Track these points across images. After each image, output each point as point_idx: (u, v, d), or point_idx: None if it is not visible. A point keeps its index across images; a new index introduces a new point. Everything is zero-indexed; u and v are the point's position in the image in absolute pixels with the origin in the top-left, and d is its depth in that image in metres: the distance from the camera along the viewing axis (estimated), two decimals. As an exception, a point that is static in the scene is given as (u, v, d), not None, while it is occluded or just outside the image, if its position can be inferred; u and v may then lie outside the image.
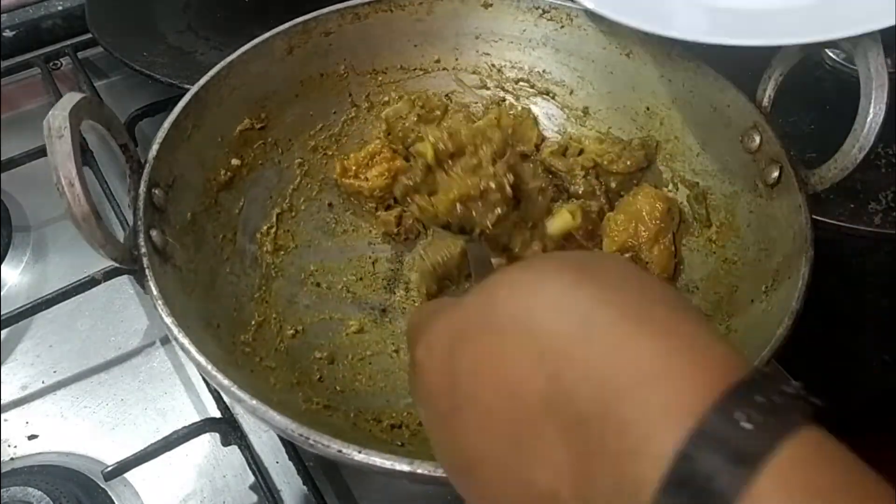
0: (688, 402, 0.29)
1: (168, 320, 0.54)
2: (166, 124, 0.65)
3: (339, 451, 0.48)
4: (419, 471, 0.47)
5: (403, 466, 0.47)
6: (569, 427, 0.32)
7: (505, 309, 0.37)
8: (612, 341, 0.33)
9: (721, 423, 0.28)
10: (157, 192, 0.62)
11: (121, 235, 0.67)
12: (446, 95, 0.85)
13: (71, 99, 0.51)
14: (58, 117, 0.50)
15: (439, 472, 0.47)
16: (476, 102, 0.85)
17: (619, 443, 0.30)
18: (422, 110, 0.83)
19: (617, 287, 0.36)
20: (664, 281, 0.35)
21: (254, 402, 0.50)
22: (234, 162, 0.73)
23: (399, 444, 0.64)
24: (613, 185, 0.79)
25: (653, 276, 0.38)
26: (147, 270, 0.56)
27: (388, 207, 0.81)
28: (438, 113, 0.84)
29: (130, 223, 0.59)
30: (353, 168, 0.79)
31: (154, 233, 0.59)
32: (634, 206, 0.74)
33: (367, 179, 0.79)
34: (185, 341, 0.53)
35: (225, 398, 0.71)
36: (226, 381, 0.51)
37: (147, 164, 0.62)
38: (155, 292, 0.55)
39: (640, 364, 0.31)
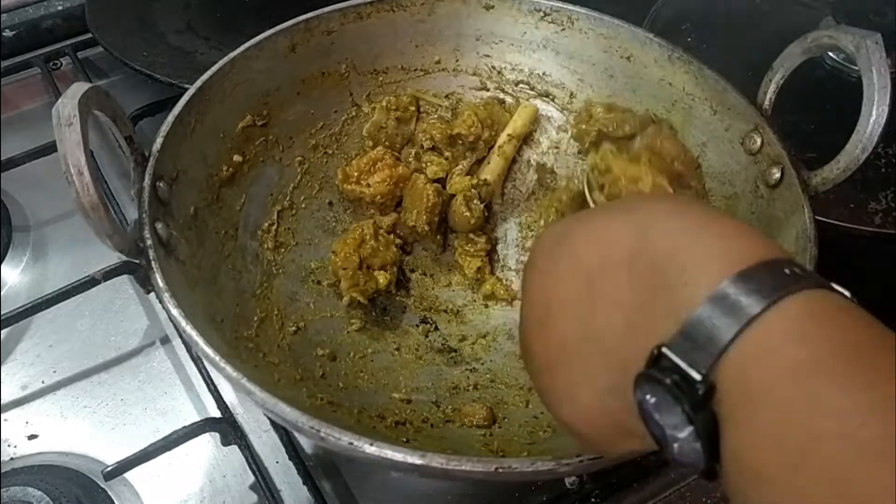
0: (736, 260, 0.36)
1: (175, 312, 0.53)
2: (170, 118, 0.65)
3: (350, 444, 0.48)
4: (432, 463, 0.47)
5: (415, 459, 0.47)
6: (641, 271, 0.40)
7: (613, 205, 0.49)
8: (690, 222, 0.40)
9: (755, 273, 0.36)
10: (161, 185, 0.61)
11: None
12: (446, 96, 0.85)
13: (80, 88, 0.51)
14: (67, 105, 0.50)
15: (451, 465, 0.47)
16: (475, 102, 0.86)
17: (679, 277, 0.38)
18: (396, 112, 0.83)
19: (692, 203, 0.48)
20: None
21: (263, 394, 0.50)
22: (236, 158, 0.73)
23: (404, 440, 0.64)
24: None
25: None
26: (153, 263, 0.56)
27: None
28: (413, 109, 0.84)
29: (132, 219, 0.59)
30: (355, 174, 0.79)
31: (159, 225, 0.59)
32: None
33: (368, 185, 0.79)
34: (193, 333, 0.52)
35: (230, 394, 0.72)
36: (234, 374, 0.51)
37: (151, 157, 0.61)
38: (161, 284, 0.55)
39: (705, 236, 0.39)
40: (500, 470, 0.47)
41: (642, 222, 0.42)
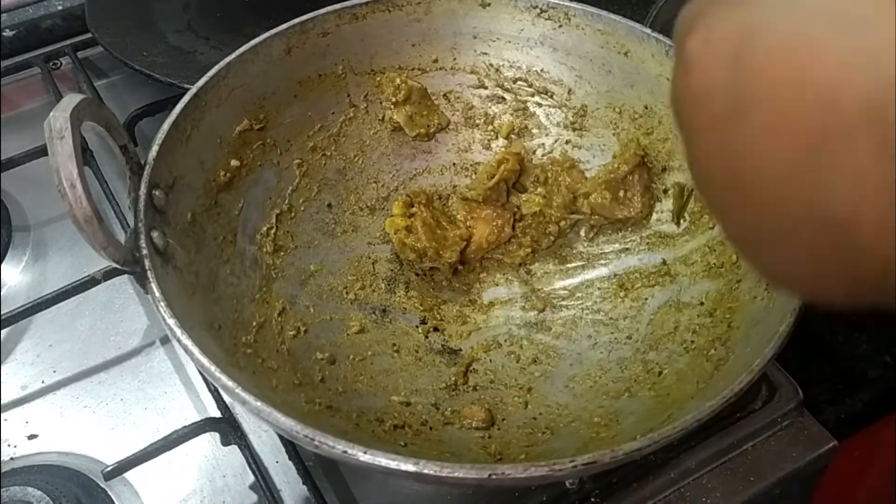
0: None
1: (170, 322, 0.53)
2: (166, 125, 0.65)
3: (345, 452, 0.48)
4: (425, 470, 0.47)
5: (409, 466, 0.48)
6: (891, 141, 0.27)
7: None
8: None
9: None
10: (157, 193, 0.61)
11: (121, 234, 0.67)
12: (444, 95, 0.85)
13: (71, 100, 0.51)
14: (59, 119, 0.50)
15: (444, 472, 0.47)
16: (473, 100, 0.86)
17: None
18: (406, 100, 0.83)
19: None
20: None
21: (258, 403, 0.50)
22: (234, 163, 0.72)
23: (402, 444, 0.64)
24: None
25: None
26: (149, 272, 0.56)
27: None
28: (418, 86, 0.84)
29: (131, 224, 0.59)
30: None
31: (155, 234, 0.59)
32: None
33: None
34: (189, 343, 0.53)
35: (227, 399, 0.71)
36: (230, 383, 0.51)
37: (147, 166, 0.62)
38: (157, 294, 0.55)
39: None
40: (494, 476, 0.47)
41: (874, 53, 0.27)
